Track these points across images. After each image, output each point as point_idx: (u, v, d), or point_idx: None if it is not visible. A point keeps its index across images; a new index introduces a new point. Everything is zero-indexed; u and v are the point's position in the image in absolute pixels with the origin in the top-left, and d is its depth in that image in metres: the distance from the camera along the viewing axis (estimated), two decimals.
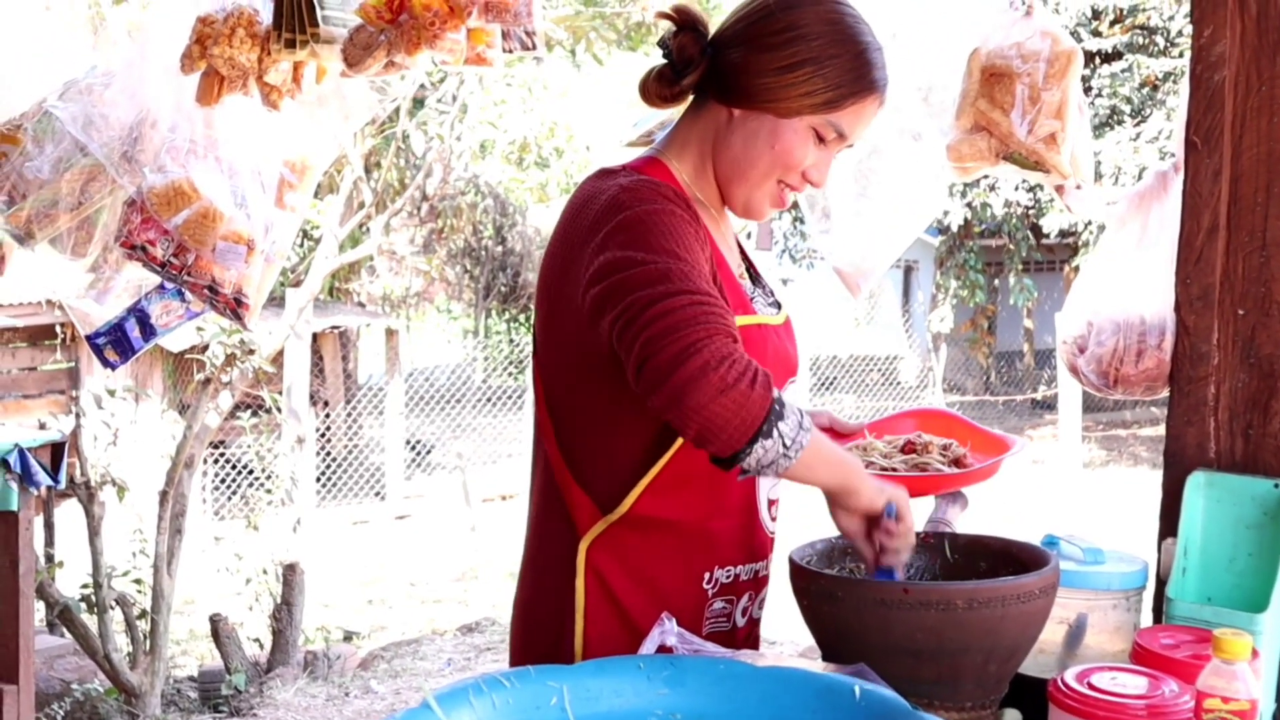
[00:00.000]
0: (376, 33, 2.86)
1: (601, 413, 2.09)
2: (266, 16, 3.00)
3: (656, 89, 2.18)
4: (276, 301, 10.58)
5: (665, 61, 2.17)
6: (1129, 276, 2.71)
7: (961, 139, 2.94)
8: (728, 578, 2.16)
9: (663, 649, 1.84)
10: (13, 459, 4.44)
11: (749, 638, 2.25)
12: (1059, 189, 2.95)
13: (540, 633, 2.19)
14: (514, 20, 2.88)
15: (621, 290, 1.90)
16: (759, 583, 2.24)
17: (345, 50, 2.91)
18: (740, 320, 2.05)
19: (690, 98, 2.21)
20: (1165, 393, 2.49)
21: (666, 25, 2.17)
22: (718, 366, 1.79)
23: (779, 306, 2.30)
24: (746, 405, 1.80)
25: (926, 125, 3.12)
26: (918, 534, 2.14)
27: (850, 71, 2.08)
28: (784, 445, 1.84)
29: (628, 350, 1.87)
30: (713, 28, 2.19)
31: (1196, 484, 2.28)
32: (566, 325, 2.09)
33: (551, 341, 2.16)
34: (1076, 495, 13.57)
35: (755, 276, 2.32)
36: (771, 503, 2.24)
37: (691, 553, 2.12)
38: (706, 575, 2.14)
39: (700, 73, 2.14)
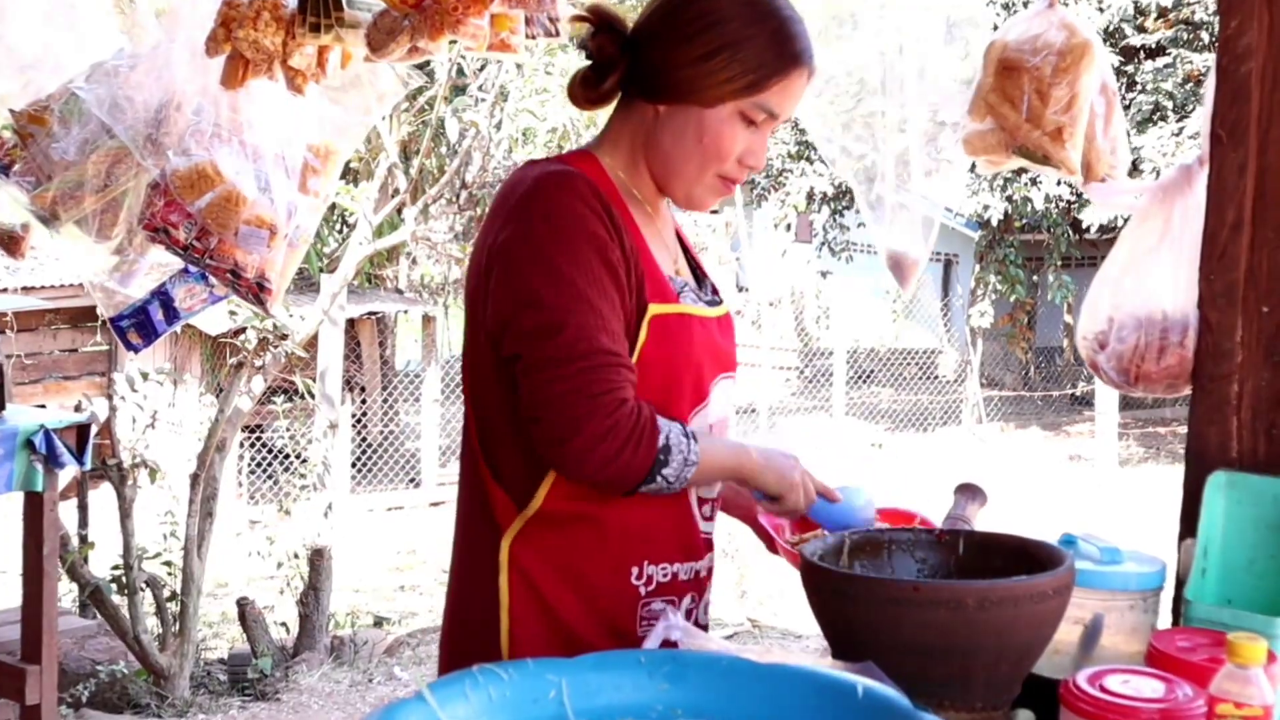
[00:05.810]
0: (400, 17, 2.85)
1: (511, 409, 2.04)
2: (292, 0, 3.00)
3: (582, 92, 2.16)
4: (313, 287, 10.63)
5: (588, 64, 2.14)
6: (1151, 272, 2.65)
7: (974, 131, 2.92)
8: (665, 576, 2.13)
9: (667, 644, 1.82)
10: (38, 440, 4.47)
11: None
12: (1085, 181, 2.90)
13: (469, 634, 2.16)
14: (537, 6, 2.86)
15: (517, 332, 1.97)
16: (700, 584, 2.21)
17: (369, 35, 2.91)
18: (659, 309, 2.06)
19: (619, 96, 2.17)
20: (1187, 391, 2.44)
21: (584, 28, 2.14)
22: (598, 444, 1.91)
23: (718, 304, 2.27)
24: (629, 470, 1.95)
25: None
26: (933, 531, 2.13)
27: (769, 50, 2.05)
28: (668, 483, 2.00)
29: (523, 396, 1.97)
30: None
31: (1217, 484, 2.23)
32: (480, 320, 2.06)
33: (472, 337, 2.12)
34: (1112, 493, 13.49)
35: (698, 272, 2.30)
36: (703, 501, 2.21)
37: (615, 546, 2.09)
38: (635, 570, 2.10)
39: (621, 72, 2.11)
